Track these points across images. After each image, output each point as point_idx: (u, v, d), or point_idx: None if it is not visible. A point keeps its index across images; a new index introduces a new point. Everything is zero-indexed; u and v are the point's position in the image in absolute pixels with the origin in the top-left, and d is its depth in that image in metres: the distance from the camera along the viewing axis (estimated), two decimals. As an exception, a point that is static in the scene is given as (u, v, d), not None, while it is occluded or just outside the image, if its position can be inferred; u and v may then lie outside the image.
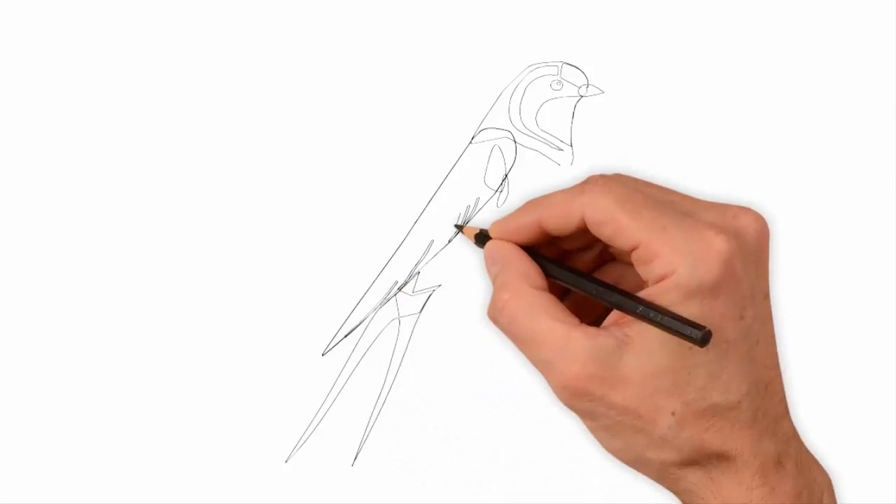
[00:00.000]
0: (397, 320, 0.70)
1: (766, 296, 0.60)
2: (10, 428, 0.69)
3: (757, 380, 0.59)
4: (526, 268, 0.61)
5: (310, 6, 0.70)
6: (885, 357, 0.72)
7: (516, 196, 0.70)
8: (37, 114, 0.70)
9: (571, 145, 0.71)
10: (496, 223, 0.63)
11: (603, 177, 0.60)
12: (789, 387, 0.61)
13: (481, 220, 0.70)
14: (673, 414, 0.58)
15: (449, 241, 0.70)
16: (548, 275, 0.62)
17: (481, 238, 0.64)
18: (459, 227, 0.69)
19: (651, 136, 0.71)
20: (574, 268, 0.62)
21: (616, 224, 0.58)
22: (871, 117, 0.72)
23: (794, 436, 0.61)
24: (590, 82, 0.70)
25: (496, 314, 0.60)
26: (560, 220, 0.60)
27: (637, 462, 0.60)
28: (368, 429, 0.70)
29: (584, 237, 0.61)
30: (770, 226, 0.60)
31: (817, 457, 0.62)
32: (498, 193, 0.70)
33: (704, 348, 0.56)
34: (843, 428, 0.72)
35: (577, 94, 0.70)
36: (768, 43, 0.72)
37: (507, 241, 0.62)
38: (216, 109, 0.70)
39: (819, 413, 0.71)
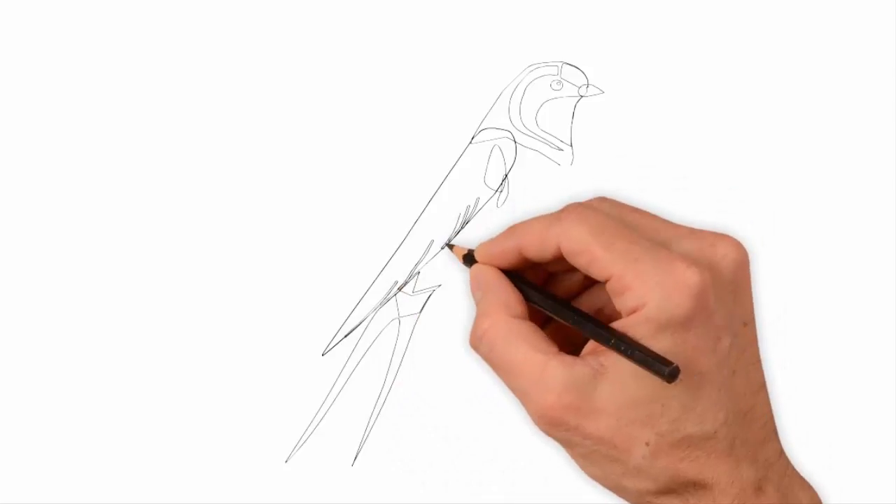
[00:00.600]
0: (397, 320, 0.70)
1: (747, 323, 0.60)
2: (11, 428, 0.69)
3: (735, 408, 0.59)
4: (507, 295, 0.62)
5: (310, 6, 0.70)
6: (880, 373, 0.72)
7: (516, 196, 0.70)
8: (37, 114, 0.70)
9: (571, 145, 0.71)
10: (482, 246, 0.64)
11: (579, 205, 0.61)
12: (780, 407, 0.62)
13: (481, 221, 0.70)
14: (647, 444, 0.58)
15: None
16: (528, 300, 0.62)
17: (469, 259, 0.64)
18: (449, 246, 0.69)
19: (651, 136, 0.71)
20: (554, 294, 0.63)
21: (590, 255, 0.59)
22: (872, 117, 0.72)
23: (778, 459, 0.61)
24: (590, 82, 0.71)
25: (476, 342, 0.62)
26: (538, 248, 0.61)
27: (616, 489, 0.61)
28: (368, 429, 0.70)
29: (566, 262, 0.61)
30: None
31: (808, 475, 0.62)
32: (498, 193, 0.70)
33: (676, 381, 0.56)
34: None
35: (577, 94, 0.70)
36: (768, 43, 0.72)
37: (490, 267, 0.63)
38: (216, 110, 0.70)
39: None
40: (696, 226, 0.64)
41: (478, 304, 0.63)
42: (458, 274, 0.70)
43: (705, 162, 0.71)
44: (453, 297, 0.70)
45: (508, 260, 0.63)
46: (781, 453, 0.61)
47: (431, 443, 0.70)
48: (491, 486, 0.70)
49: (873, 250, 0.72)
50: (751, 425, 0.60)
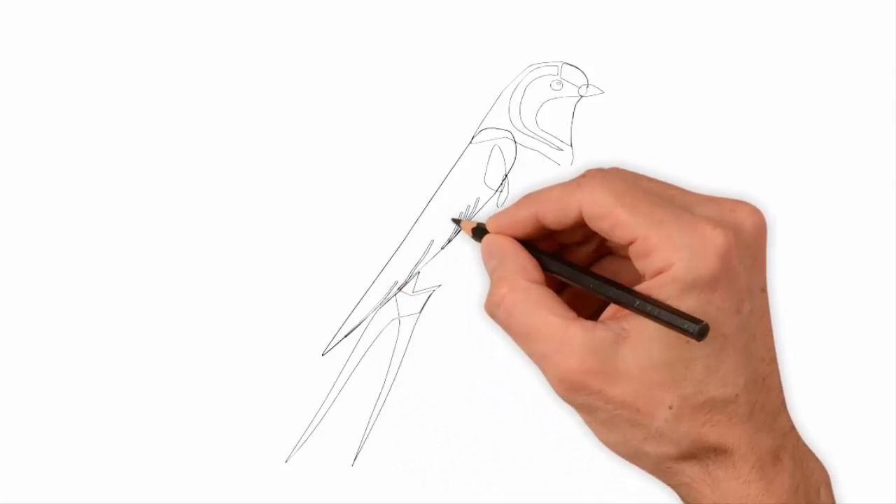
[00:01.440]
0: (397, 320, 0.70)
1: (764, 289, 0.60)
2: (11, 428, 0.69)
3: (754, 374, 0.59)
4: (523, 262, 0.61)
5: (310, 6, 0.70)
6: (883, 352, 0.72)
7: (516, 196, 0.70)
8: (37, 114, 0.70)
9: (571, 145, 0.71)
10: (493, 217, 0.63)
11: (600, 171, 0.60)
12: (787, 381, 0.61)
13: (481, 220, 0.70)
14: (670, 408, 0.58)
15: (449, 241, 0.70)
16: (545, 269, 0.62)
17: (479, 232, 0.64)
18: (457, 221, 0.69)
19: (651, 136, 0.71)
20: (571, 262, 0.62)
21: (613, 218, 0.58)
22: (870, 116, 0.72)
23: (791, 430, 0.61)
24: (590, 82, 0.71)
25: (493, 308, 0.60)
26: (557, 214, 0.60)
27: (634, 456, 0.60)
28: (368, 429, 0.70)
29: (581, 231, 0.61)
30: (768, 221, 0.60)
31: (815, 451, 0.62)
32: (498, 193, 0.70)
33: (701, 342, 0.56)
34: (841, 423, 0.72)
35: (577, 94, 0.70)
36: (768, 42, 0.72)
37: (504, 235, 0.62)
38: (216, 110, 0.70)
39: (817, 408, 0.71)
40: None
41: (492, 272, 0.62)
42: (458, 274, 0.70)
43: (705, 162, 0.71)
44: (453, 297, 0.70)
45: (524, 229, 0.62)
46: (793, 427, 0.61)
47: (431, 443, 0.70)
48: (491, 486, 0.70)
49: (871, 245, 0.72)
50: (768, 392, 0.59)
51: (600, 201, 0.58)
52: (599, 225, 0.59)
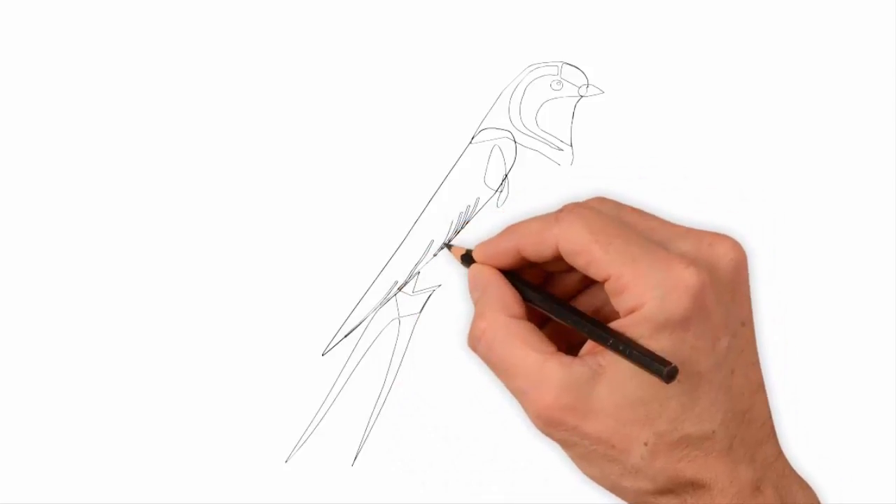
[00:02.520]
0: (397, 320, 0.70)
1: (745, 323, 0.60)
2: (11, 428, 0.69)
3: (733, 408, 0.59)
4: (504, 295, 0.62)
5: (310, 6, 0.70)
6: (878, 374, 0.72)
7: (516, 196, 0.70)
8: (37, 114, 0.70)
9: (571, 145, 0.71)
10: (480, 246, 0.64)
11: (577, 205, 0.61)
12: (779, 407, 0.62)
13: (481, 221, 0.70)
14: (645, 444, 0.58)
15: (449, 240, 0.70)
16: (527, 300, 0.62)
17: (467, 259, 0.64)
18: (448, 246, 0.69)
19: (651, 136, 0.71)
20: (552, 294, 0.63)
21: (588, 255, 0.59)
22: (872, 117, 0.72)
23: (776, 459, 0.61)
24: (590, 82, 0.70)
25: (474, 342, 0.62)
26: (536, 248, 0.61)
27: (614, 489, 0.61)
28: (368, 429, 0.70)
29: (564, 261, 0.61)
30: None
31: (806, 476, 0.62)
32: (498, 193, 0.70)
33: (676, 380, 0.56)
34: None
35: (577, 94, 0.70)
36: (768, 43, 0.72)
37: (488, 267, 0.63)
38: (216, 110, 0.70)
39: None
40: (697, 226, 0.64)
41: (476, 303, 0.63)
42: (458, 274, 0.70)
43: (705, 162, 0.71)
44: (453, 297, 0.70)
45: (506, 260, 0.63)
46: (780, 454, 0.61)
47: (431, 443, 0.70)
48: (491, 486, 0.70)
49: (873, 251, 0.72)
50: (749, 425, 0.60)
51: (576, 238, 0.59)
52: (575, 261, 0.60)
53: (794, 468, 0.63)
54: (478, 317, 0.62)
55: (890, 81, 0.72)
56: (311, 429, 0.70)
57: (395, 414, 0.70)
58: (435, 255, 0.70)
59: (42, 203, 0.70)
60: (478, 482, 0.70)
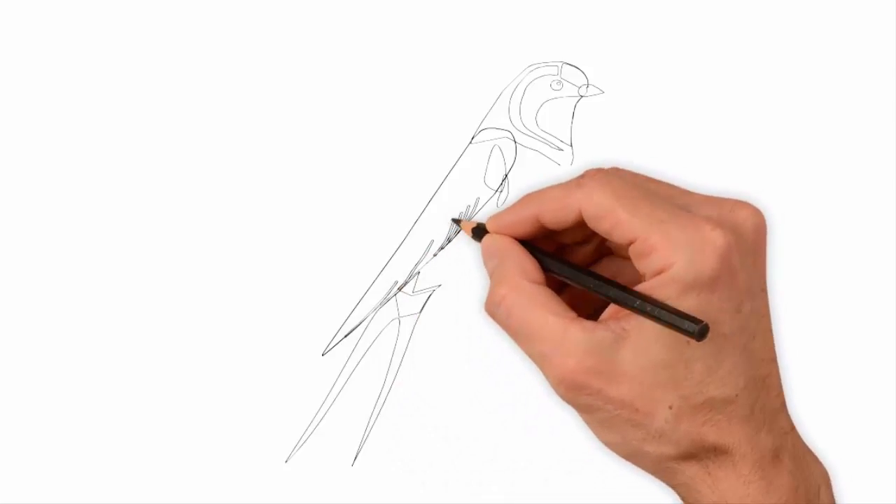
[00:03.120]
0: (397, 320, 0.70)
1: (763, 289, 0.60)
2: (11, 428, 0.69)
3: (754, 374, 0.59)
4: (523, 262, 0.61)
5: (310, 6, 0.70)
6: (883, 352, 0.72)
7: (516, 196, 0.70)
8: (37, 114, 0.70)
9: (571, 145, 0.71)
10: (493, 217, 0.63)
11: (600, 171, 0.60)
12: (787, 382, 0.61)
13: (481, 220, 0.70)
14: (670, 408, 0.58)
15: (449, 240, 0.70)
16: (545, 269, 0.61)
17: (479, 232, 0.64)
18: (457, 221, 0.69)
19: (651, 136, 0.71)
20: (571, 262, 0.62)
21: (613, 218, 0.58)
22: (870, 116, 0.72)
23: (790, 430, 0.61)
24: (590, 82, 0.71)
25: (493, 308, 0.60)
26: (557, 214, 0.60)
27: (634, 456, 0.60)
28: (368, 429, 0.70)
29: (581, 231, 0.61)
30: (768, 221, 0.60)
31: (815, 451, 0.62)
32: (498, 193, 0.70)
33: (701, 342, 0.56)
34: (841, 423, 0.72)
35: (577, 94, 0.70)
36: (768, 42, 0.72)
37: (504, 235, 0.62)
38: (216, 110, 0.70)
39: (817, 408, 0.71)
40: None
41: (492, 272, 0.62)
42: (458, 274, 0.70)
43: (705, 161, 0.71)
44: (453, 297, 0.70)
45: (524, 229, 0.62)
46: (793, 427, 0.61)
47: (431, 443, 0.70)
48: (491, 486, 0.70)
49: (871, 245, 0.72)
50: (768, 392, 0.59)
51: (600, 201, 0.58)
52: (599, 225, 0.59)
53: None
54: (496, 283, 0.61)
55: (890, 81, 0.72)
56: (311, 429, 0.70)
57: (395, 414, 0.70)
58: (435, 255, 0.70)
59: (42, 203, 0.70)
60: (478, 482, 0.70)
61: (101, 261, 0.69)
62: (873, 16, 0.72)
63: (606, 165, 0.61)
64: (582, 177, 0.60)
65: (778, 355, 0.61)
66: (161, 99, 0.70)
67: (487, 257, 0.62)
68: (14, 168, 0.70)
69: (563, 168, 0.70)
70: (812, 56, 0.72)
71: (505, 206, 0.63)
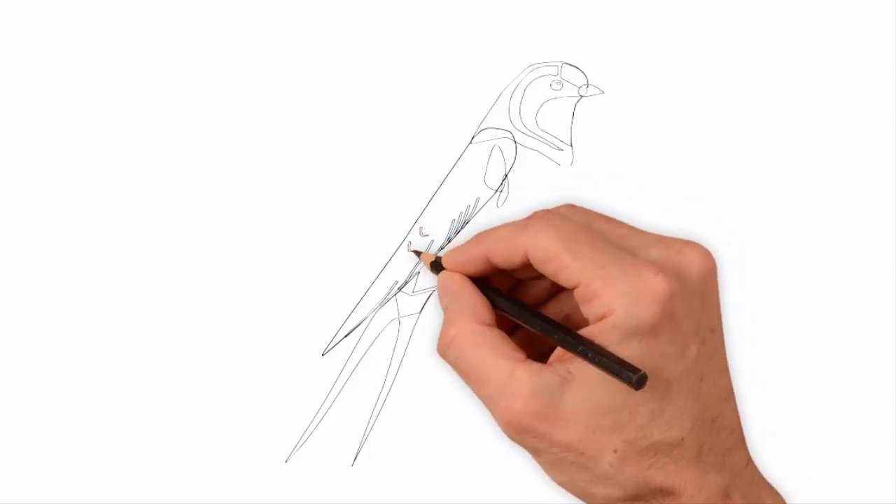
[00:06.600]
0: (397, 320, 0.70)
1: (714, 330, 0.60)
2: (11, 428, 0.69)
3: (702, 415, 0.59)
4: (474, 302, 0.62)
5: (310, 6, 0.70)
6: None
7: (516, 196, 0.70)
8: (37, 114, 0.70)
9: (571, 145, 0.71)
10: (449, 253, 0.64)
11: (547, 213, 0.61)
12: (748, 414, 0.62)
13: (481, 221, 0.70)
14: (615, 451, 0.58)
15: (449, 240, 0.70)
16: (496, 307, 0.62)
17: (437, 266, 0.65)
18: (417, 253, 0.69)
19: (651, 136, 0.71)
20: (522, 301, 0.63)
21: (557, 262, 0.59)
22: (872, 119, 0.72)
23: (745, 466, 0.61)
24: (590, 82, 0.71)
25: (444, 349, 0.62)
26: (505, 255, 0.61)
27: (584, 496, 0.61)
28: (368, 429, 0.70)
29: (534, 269, 0.61)
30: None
31: (775, 482, 0.62)
32: (498, 193, 0.70)
33: (644, 388, 0.56)
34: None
35: (577, 94, 0.70)
36: (768, 43, 0.72)
37: (457, 274, 0.63)
38: (216, 110, 0.70)
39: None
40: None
41: (445, 311, 0.63)
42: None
43: (705, 161, 0.71)
44: (453, 297, 0.70)
45: (476, 267, 0.63)
46: (749, 461, 0.61)
47: (431, 443, 0.70)
48: (491, 486, 0.70)
49: (872, 251, 0.72)
50: (719, 432, 0.60)
51: (545, 245, 0.59)
52: (544, 268, 0.60)
53: (764, 475, 0.63)
54: (447, 324, 0.62)
55: (890, 81, 0.72)
56: (311, 429, 0.70)
57: (395, 414, 0.70)
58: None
59: (42, 204, 0.70)
60: (478, 482, 0.70)
61: (100, 261, 0.69)
62: (873, 17, 0.72)
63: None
64: (529, 218, 0.61)
65: (738, 389, 0.61)
66: (161, 100, 0.70)
67: (441, 295, 0.64)
68: (14, 168, 0.70)
69: (564, 168, 0.71)
70: (812, 56, 0.72)
71: (458, 244, 0.64)
